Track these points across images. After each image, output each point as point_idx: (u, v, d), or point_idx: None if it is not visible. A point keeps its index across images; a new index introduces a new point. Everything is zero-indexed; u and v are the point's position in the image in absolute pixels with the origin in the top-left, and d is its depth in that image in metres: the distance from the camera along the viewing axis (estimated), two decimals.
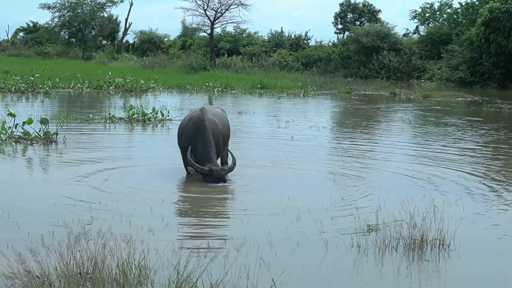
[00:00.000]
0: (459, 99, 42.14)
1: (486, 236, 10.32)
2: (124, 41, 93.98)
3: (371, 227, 9.96)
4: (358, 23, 75.13)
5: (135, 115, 24.57)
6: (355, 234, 9.61)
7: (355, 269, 8.62)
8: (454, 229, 9.57)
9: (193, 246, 9.07)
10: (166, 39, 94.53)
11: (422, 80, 58.72)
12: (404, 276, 8.57)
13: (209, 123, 13.93)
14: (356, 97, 42.43)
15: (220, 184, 13.33)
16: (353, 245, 9.32)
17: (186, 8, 67.78)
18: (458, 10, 67.07)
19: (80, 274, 7.00)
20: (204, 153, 13.66)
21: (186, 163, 13.75)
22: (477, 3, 62.80)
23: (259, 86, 45.41)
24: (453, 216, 10.71)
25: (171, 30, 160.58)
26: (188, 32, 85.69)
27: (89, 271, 7.12)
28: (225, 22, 70.06)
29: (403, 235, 9.44)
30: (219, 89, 44.11)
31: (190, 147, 13.70)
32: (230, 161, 14.08)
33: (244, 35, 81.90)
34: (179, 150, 14.41)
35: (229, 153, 14.42)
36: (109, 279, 7.06)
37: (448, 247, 9.32)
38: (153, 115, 24.73)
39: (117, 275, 7.16)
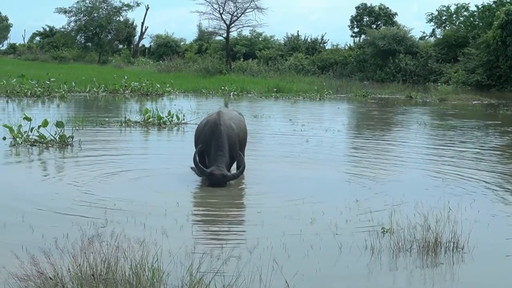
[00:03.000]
0: (476, 102, 41.98)
1: (500, 239, 10.25)
2: (140, 45, 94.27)
3: (385, 230, 9.94)
4: (375, 26, 74.95)
5: (151, 119, 24.61)
6: (369, 237, 9.57)
7: (369, 271, 8.59)
8: (468, 231, 9.53)
9: (206, 248, 9.06)
10: (182, 43, 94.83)
11: (439, 84, 58.48)
12: (417, 279, 8.54)
13: (224, 127, 13.97)
14: (373, 101, 42.32)
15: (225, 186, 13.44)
16: (367, 247, 9.30)
17: (202, 12, 67.91)
18: (475, 13, 66.78)
19: (93, 275, 7.01)
20: (215, 156, 13.72)
21: (203, 165, 13.84)
22: (493, 6, 62.50)
23: (275, 89, 45.31)
24: (467, 219, 10.66)
25: (187, 34, 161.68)
26: (204, 36, 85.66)
27: (102, 273, 7.13)
28: (241, 26, 70.18)
29: (417, 237, 9.41)
30: (235, 92, 44.14)
31: (198, 148, 13.88)
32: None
33: (260, 39, 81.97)
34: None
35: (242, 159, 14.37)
36: (122, 281, 7.08)
37: (462, 249, 9.28)
38: (168, 119, 24.77)
39: (130, 277, 7.17)
